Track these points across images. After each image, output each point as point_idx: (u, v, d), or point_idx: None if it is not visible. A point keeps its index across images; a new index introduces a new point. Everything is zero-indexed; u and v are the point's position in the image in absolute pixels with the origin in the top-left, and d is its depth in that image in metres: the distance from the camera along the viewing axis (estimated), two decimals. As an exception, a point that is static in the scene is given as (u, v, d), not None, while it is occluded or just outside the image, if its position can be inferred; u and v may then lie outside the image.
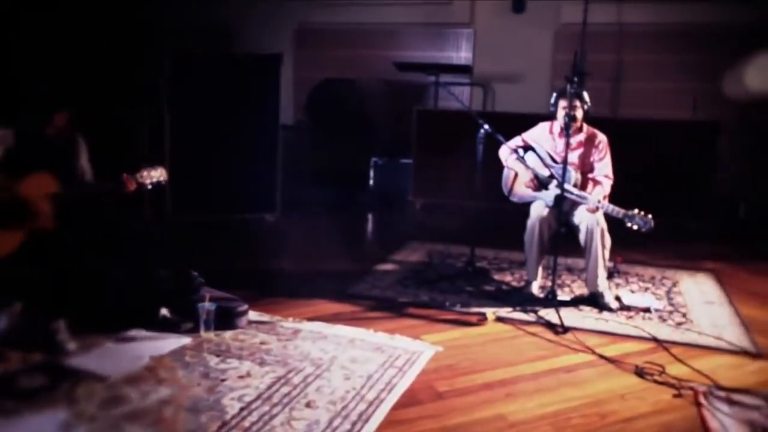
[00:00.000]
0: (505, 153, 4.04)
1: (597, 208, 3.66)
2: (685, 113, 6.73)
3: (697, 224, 5.75)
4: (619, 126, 5.93)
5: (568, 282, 4.19)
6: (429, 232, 5.52)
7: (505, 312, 3.55)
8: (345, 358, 2.91)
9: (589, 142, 3.90)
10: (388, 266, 4.43)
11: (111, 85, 5.59)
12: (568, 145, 3.59)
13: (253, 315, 3.37)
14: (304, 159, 7.47)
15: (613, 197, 3.85)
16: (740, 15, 6.63)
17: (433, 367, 2.88)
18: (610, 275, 4.23)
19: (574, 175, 3.79)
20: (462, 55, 7.64)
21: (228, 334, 3.14)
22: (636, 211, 3.56)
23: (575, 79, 3.54)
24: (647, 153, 5.73)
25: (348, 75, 7.84)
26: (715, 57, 6.76)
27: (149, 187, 3.33)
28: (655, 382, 2.78)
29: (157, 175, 3.32)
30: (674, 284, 4.20)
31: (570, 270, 4.43)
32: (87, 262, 3.20)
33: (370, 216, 6.32)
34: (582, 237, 3.75)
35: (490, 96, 7.58)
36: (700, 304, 3.81)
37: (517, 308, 3.61)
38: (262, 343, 3.07)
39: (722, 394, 2.65)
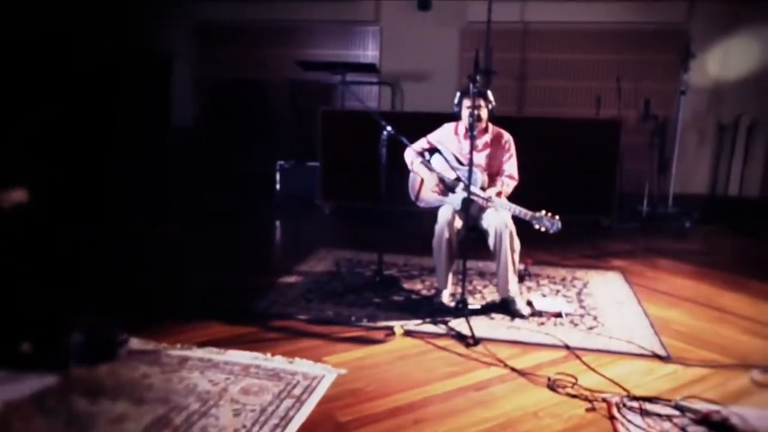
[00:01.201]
0: (410, 156, 3.85)
1: (487, 202, 3.52)
2: (589, 111, 6.83)
3: (605, 221, 5.80)
4: (525, 124, 5.94)
5: (479, 287, 4.05)
6: (338, 238, 5.27)
7: (413, 325, 3.35)
8: (236, 390, 2.61)
9: (496, 143, 3.77)
10: (293, 278, 4.14)
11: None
12: (473, 146, 3.43)
13: (136, 343, 3.01)
14: (205, 163, 7.06)
15: (522, 197, 3.75)
16: (642, 15, 6.79)
17: (336, 393, 2.63)
18: (521, 278, 4.14)
19: (480, 178, 3.65)
20: (369, 53, 7.44)
21: (104, 369, 2.76)
22: (543, 212, 3.45)
23: (478, 77, 3.38)
24: (554, 151, 5.72)
25: (252, 75, 7.49)
26: (617, 56, 6.90)
27: (5, 208, 2.90)
28: (568, 395, 2.65)
29: (17, 197, 2.90)
30: (585, 285, 4.14)
31: (482, 274, 4.30)
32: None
33: (276, 223, 6.00)
34: (491, 241, 3.60)
35: (398, 95, 7.42)
36: (610, 305, 3.75)
37: (427, 320, 3.42)
38: (143, 376, 2.71)
39: (635, 404, 2.55)
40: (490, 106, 3.71)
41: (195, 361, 2.87)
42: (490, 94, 3.72)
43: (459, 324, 3.34)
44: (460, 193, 3.66)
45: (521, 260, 3.85)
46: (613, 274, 4.41)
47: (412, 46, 7.27)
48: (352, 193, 6.02)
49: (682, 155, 6.48)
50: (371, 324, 3.37)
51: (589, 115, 6.70)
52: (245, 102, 7.34)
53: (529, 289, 4.03)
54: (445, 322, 3.39)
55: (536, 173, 4.95)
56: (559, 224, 3.43)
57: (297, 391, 2.61)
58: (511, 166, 3.79)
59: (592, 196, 5.80)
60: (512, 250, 3.56)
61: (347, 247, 4.91)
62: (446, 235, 3.60)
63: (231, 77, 7.52)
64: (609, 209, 5.81)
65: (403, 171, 3.92)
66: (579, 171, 5.76)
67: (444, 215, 3.65)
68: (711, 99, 6.83)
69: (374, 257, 4.37)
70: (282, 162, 6.62)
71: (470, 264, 4.39)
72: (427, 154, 3.85)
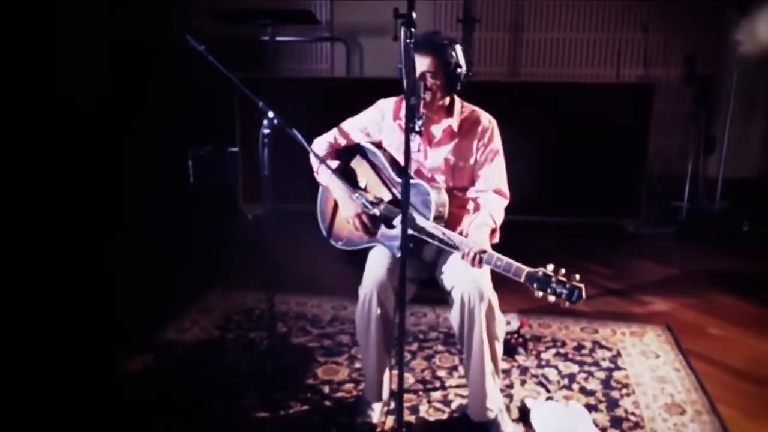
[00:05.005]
0: (316, 163, 2.22)
1: (479, 258, 1.91)
2: (607, 72, 5.18)
3: (631, 226, 4.20)
4: (519, 92, 4.29)
5: (442, 371, 2.46)
6: (248, 264, 3.63)
7: (306, 492, 1.78)
8: None
9: (467, 132, 2.14)
10: (140, 362, 2.53)
11: None
12: (408, 139, 1.74)
13: None
14: (106, 152, 5.37)
15: (510, 197, 2.20)
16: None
17: None
18: (511, 352, 2.56)
19: (434, 196, 2.02)
20: (317, 1, 5.71)
21: None
22: (550, 267, 1.84)
23: (414, 15, 1.69)
24: (559, 128, 4.11)
25: (165, 34, 5.70)
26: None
27: None
28: None
29: None
30: (614, 360, 2.55)
31: (448, 340, 2.70)
32: None
33: (175, 236, 4.29)
34: (455, 316, 2.00)
35: (356, 55, 5.72)
36: (664, 418, 2.17)
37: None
38: None
39: None
40: (459, 70, 2.05)
41: None
42: (458, 49, 2.06)
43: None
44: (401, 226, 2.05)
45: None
46: (655, 331, 2.82)
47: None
48: (284, 192, 4.35)
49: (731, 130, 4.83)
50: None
51: (606, 78, 5.04)
52: (158, 70, 5.61)
53: (524, 372, 2.45)
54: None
55: (534, 161, 3.66)
56: (583, 291, 1.81)
57: None
58: (494, 172, 2.16)
59: (612, 191, 4.19)
60: (491, 338, 1.97)
61: (257, 284, 3.29)
62: (376, 309, 1.99)
63: (142, 39, 5.75)
64: (636, 209, 4.20)
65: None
66: (594, 156, 4.15)
67: (374, 270, 2.05)
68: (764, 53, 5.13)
69: (290, 304, 2.84)
70: (196, 148, 4.99)
71: (429, 316, 2.84)
72: (351, 157, 2.24)
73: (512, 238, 1.90)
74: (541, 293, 1.83)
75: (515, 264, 1.85)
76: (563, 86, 4.51)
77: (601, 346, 2.67)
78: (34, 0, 4.81)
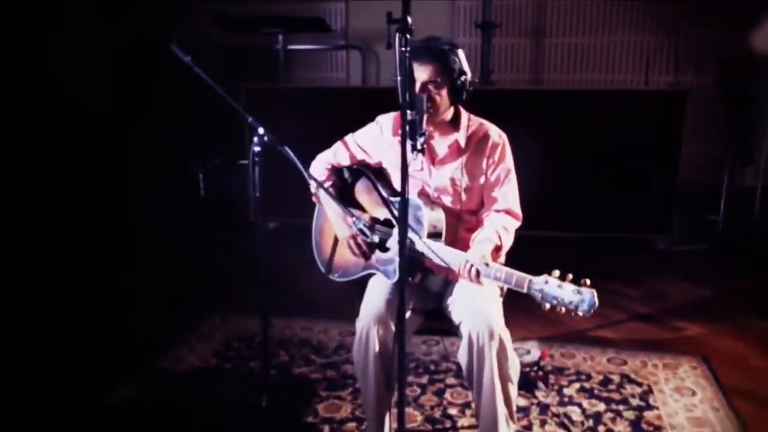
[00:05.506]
0: (314, 184, 2.05)
1: (475, 271, 1.70)
2: (635, 78, 4.93)
3: (662, 243, 3.95)
4: (542, 101, 4.08)
5: (453, 408, 2.26)
6: (255, 283, 3.43)
7: None
8: None
9: (476, 148, 1.95)
10: (133, 390, 2.38)
11: None
12: (405, 154, 1.53)
13: None
14: (110, 162, 5.25)
15: (528, 213, 2.00)
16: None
17: None
18: (531, 387, 2.34)
19: (426, 211, 1.83)
20: (332, 6, 5.55)
21: None
22: (556, 275, 1.61)
23: (409, 20, 1.48)
24: (584, 139, 3.89)
25: (160, 34, 5.55)
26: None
27: None
28: None
29: None
30: (644, 398, 2.32)
31: (461, 374, 2.47)
32: None
33: (183, 250, 4.13)
34: (463, 353, 1.80)
35: (372, 63, 5.55)
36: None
37: None
38: None
39: None
40: (463, 77, 1.85)
41: None
42: (460, 53, 1.86)
43: None
44: (396, 250, 1.84)
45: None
46: (690, 363, 2.57)
47: (387, -5, 5.35)
48: (296, 205, 4.18)
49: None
50: None
51: (634, 85, 4.79)
52: (161, 74, 5.47)
53: (544, 411, 2.23)
54: None
55: (556, 173, 3.69)
56: (595, 298, 1.57)
57: None
58: (505, 193, 1.96)
59: (641, 205, 3.95)
60: (504, 380, 1.76)
61: (260, 306, 3.12)
62: (375, 345, 1.80)
63: (143, 40, 5.62)
64: (667, 224, 3.94)
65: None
66: (621, 168, 3.92)
67: (372, 302, 1.86)
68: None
69: (294, 329, 2.66)
70: (206, 160, 4.87)
71: (439, 345, 2.64)
72: (348, 176, 2.07)
73: (530, 255, 1.70)
74: (548, 305, 1.60)
75: (516, 274, 1.65)
76: (588, 94, 4.27)
77: (631, 381, 2.43)
78: (35, 0, 4.72)
